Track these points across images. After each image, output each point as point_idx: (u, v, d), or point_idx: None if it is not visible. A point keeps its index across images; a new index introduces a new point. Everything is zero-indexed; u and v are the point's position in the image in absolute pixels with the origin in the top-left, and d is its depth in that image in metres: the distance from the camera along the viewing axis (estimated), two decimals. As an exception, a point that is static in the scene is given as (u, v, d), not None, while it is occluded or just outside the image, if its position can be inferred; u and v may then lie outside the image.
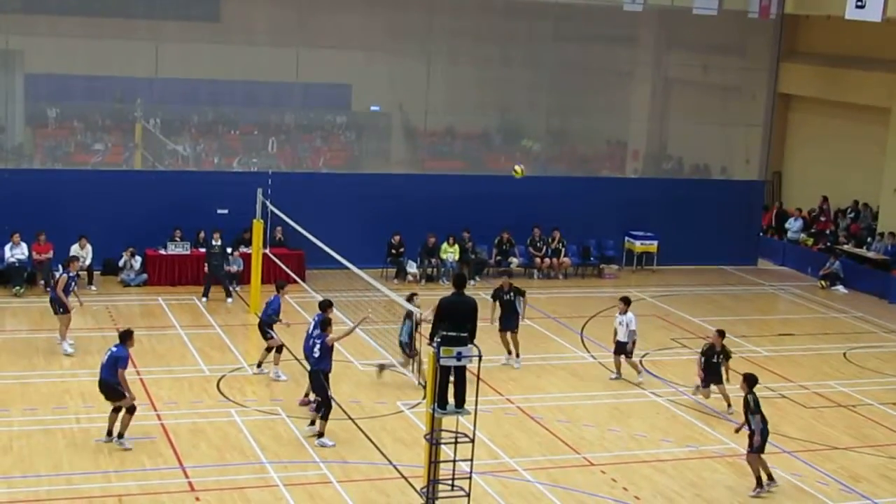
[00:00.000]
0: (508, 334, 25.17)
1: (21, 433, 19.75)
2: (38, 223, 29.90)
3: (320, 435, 20.08)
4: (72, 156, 34.04)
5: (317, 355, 20.22)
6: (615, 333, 24.53)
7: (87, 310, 27.36)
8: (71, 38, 32.47)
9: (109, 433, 19.35)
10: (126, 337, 19.52)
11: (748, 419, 19.07)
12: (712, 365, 22.70)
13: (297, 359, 24.24)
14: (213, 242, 29.96)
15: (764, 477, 19.17)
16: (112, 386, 19.07)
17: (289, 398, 22.31)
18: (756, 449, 19.02)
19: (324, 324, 20.58)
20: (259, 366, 23.95)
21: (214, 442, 19.97)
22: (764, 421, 19.07)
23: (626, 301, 24.45)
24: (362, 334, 22.52)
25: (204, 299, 29.41)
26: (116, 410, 19.31)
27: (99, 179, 32.03)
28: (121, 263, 30.94)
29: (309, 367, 20.86)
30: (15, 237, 29.74)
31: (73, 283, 24.70)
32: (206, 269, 29.99)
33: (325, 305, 21.46)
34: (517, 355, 25.22)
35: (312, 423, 20.47)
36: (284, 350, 23.67)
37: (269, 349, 23.82)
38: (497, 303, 25.17)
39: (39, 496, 17.30)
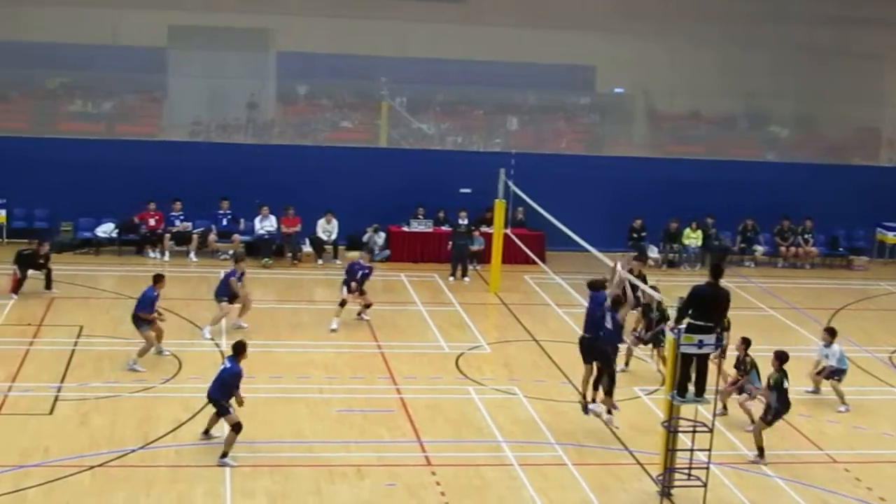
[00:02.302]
0: None
1: (266, 400, 20.24)
2: (286, 197, 30.88)
3: (608, 411, 19.58)
4: (319, 132, 34.92)
5: (609, 327, 19.24)
6: (817, 364, 22.25)
7: (331, 283, 27.99)
8: (320, 17, 33.29)
9: (206, 432, 18.39)
10: (239, 349, 18.13)
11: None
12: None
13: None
14: (460, 221, 30.26)
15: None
16: (218, 403, 17.86)
17: (526, 378, 22.35)
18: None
19: (615, 303, 19.48)
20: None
21: (451, 418, 20.13)
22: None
23: (833, 333, 21.93)
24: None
25: (451, 279, 29.66)
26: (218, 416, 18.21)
27: (345, 156, 32.79)
28: (365, 239, 31.56)
29: (588, 335, 19.55)
30: (264, 210, 30.72)
31: (238, 281, 24.85)
32: (449, 247, 30.34)
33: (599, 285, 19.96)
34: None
35: (609, 411, 19.68)
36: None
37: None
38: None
39: (280, 461, 17.75)
